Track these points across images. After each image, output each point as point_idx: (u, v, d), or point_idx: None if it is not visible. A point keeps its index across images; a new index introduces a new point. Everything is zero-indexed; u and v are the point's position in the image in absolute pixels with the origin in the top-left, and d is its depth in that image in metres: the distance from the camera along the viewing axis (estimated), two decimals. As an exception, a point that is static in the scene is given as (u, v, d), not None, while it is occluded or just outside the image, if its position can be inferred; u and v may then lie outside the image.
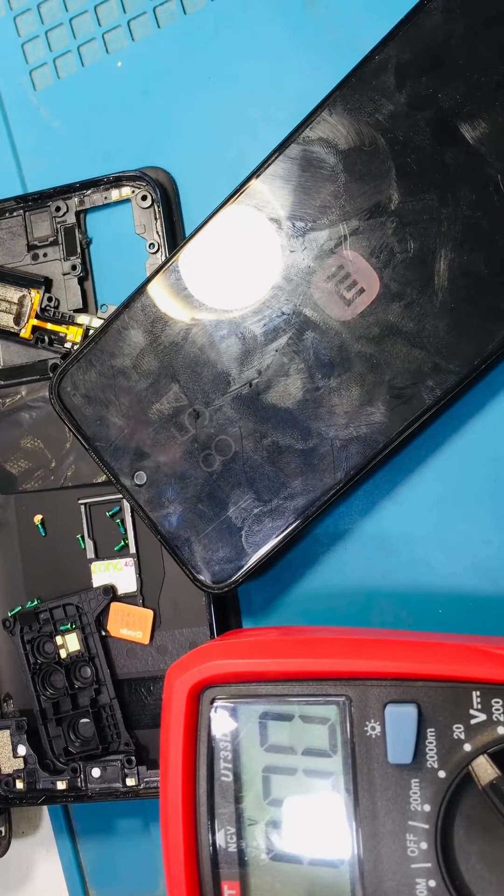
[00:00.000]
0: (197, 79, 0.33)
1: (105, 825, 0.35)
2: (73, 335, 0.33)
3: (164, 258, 0.32)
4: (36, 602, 0.34)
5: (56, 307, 0.33)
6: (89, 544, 0.34)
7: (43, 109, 0.35)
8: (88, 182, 0.33)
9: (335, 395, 0.28)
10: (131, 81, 0.34)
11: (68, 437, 0.34)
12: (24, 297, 0.34)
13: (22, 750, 0.33)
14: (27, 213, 0.34)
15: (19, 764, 0.34)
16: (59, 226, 0.34)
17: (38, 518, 0.34)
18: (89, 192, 0.33)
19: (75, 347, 0.33)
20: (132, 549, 0.33)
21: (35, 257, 0.34)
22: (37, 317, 0.34)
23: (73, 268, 0.33)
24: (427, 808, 0.24)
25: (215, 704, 0.26)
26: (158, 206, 0.32)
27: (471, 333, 0.27)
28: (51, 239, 0.34)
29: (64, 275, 0.34)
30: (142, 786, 0.32)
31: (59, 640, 0.33)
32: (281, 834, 0.26)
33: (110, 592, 0.33)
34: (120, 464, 0.30)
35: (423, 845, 0.24)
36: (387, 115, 0.27)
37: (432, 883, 0.24)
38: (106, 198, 0.33)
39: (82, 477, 0.34)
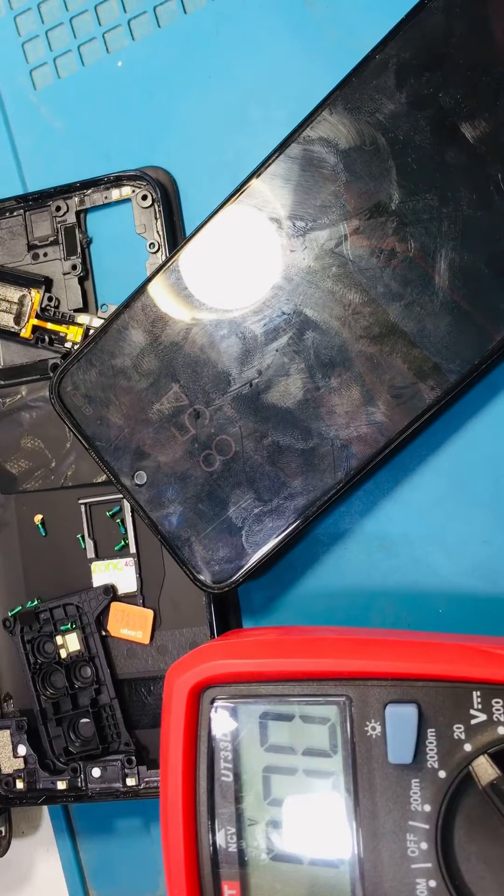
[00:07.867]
0: (197, 79, 0.33)
1: (105, 825, 0.35)
2: (73, 335, 0.33)
3: (164, 258, 0.32)
4: (36, 602, 0.34)
5: (56, 307, 0.33)
6: (89, 544, 0.34)
7: (43, 109, 0.35)
8: (88, 182, 0.33)
9: (335, 394, 0.28)
10: (131, 81, 0.34)
11: (68, 437, 0.34)
12: (24, 296, 0.34)
13: (22, 750, 0.33)
14: (27, 213, 0.34)
15: (19, 764, 0.33)
16: (59, 225, 0.34)
17: (38, 518, 0.34)
18: (89, 191, 0.33)
19: (75, 347, 0.33)
20: (132, 549, 0.33)
21: (35, 257, 0.34)
22: (37, 316, 0.34)
23: (74, 267, 0.33)
24: (427, 808, 0.24)
25: (215, 704, 0.26)
26: (158, 206, 0.32)
27: (471, 333, 0.27)
28: (51, 238, 0.34)
29: (64, 274, 0.34)
30: (142, 786, 0.32)
31: (59, 639, 0.33)
32: (281, 834, 0.26)
33: (110, 592, 0.33)
34: (120, 463, 0.30)
35: (424, 845, 0.24)
36: (387, 115, 0.27)
37: (432, 883, 0.24)
38: (106, 197, 0.33)
39: (82, 477, 0.34)
